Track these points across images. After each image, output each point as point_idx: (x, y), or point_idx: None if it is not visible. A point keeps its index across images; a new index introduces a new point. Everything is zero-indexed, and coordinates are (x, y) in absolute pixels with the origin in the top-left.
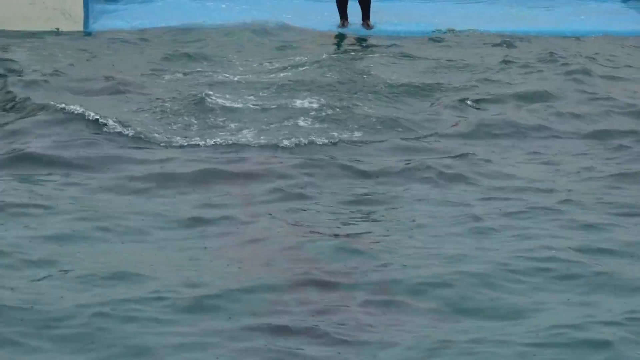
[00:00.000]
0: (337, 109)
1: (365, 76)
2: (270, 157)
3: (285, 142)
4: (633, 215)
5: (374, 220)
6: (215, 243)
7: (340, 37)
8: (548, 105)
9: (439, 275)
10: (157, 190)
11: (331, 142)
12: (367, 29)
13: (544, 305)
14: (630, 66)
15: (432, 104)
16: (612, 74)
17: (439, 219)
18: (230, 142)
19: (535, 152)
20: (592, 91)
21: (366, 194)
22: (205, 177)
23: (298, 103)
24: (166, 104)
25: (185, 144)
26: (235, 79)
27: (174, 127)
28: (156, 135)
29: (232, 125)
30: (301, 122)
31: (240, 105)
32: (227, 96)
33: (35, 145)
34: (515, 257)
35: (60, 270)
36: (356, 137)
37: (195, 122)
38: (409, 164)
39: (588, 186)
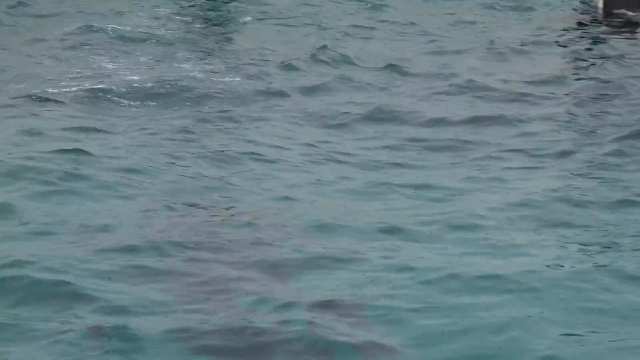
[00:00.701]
0: (213, 70)
1: (234, 38)
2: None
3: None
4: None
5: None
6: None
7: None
8: (396, 67)
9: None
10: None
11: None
12: None
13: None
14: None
15: (296, 60)
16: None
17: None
18: (109, 98)
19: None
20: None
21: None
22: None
23: (185, 67)
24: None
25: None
26: (118, 33)
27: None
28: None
29: (110, 79)
30: (182, 80)
31: (120, 58)
32: (114, 50)
33: None
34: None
35: None
36: (225, 95)
37: (79, 76)
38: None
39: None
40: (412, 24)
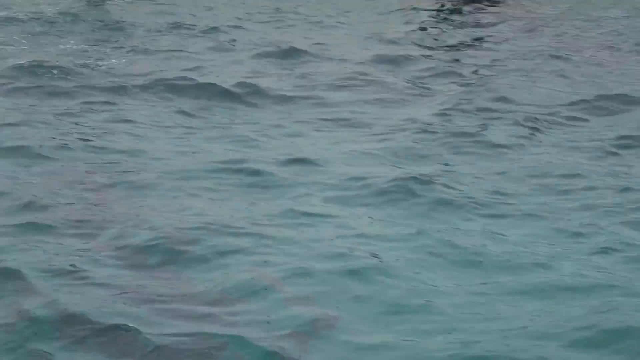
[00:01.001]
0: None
1: (117, 17)
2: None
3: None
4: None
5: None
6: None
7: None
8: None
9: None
10: None
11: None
12: None
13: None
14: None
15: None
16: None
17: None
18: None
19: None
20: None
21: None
22: None
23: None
24: None
25: None
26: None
27: None
28: None
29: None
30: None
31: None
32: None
33: None
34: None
35: None
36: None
37: None
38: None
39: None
40: (297, 11)
